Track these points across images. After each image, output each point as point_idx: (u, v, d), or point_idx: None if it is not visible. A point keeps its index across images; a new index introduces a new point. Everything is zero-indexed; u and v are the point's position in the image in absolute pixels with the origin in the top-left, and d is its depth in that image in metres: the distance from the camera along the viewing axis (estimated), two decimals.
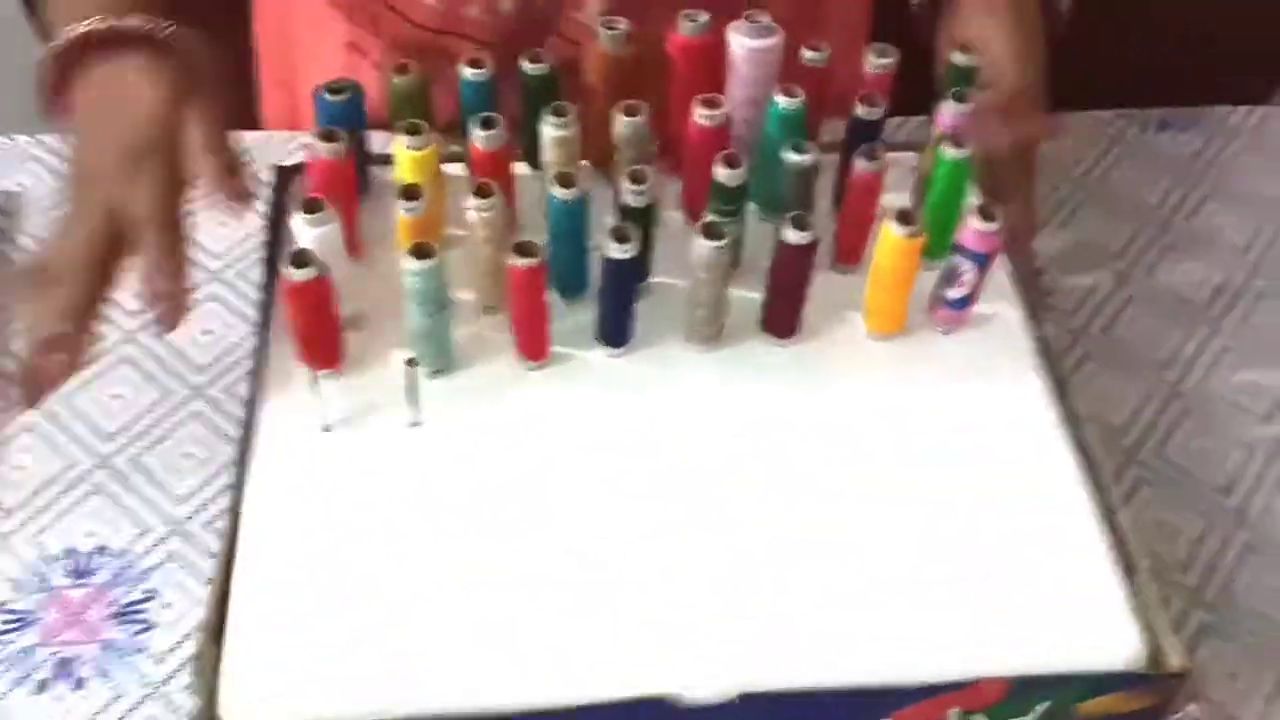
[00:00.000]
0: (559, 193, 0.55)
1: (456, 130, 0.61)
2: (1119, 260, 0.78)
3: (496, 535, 0.52)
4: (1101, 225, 0.80)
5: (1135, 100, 0.89)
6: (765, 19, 0.61)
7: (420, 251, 0.52)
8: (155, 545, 0.63)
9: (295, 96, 0.88)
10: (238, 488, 0.54)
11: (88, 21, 0.58)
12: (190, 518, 0.64)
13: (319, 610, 0.50)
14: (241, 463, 0.54)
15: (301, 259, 0.52)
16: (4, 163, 0.80)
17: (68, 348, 0.53)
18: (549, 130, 0.58)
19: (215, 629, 0.49)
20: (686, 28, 0.61)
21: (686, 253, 0.61)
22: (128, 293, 0.72)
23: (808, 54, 0.61)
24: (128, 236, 0.54)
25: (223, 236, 0.76)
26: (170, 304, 0.55)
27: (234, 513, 0.53)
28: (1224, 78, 0.99)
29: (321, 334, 0.55)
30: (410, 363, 0.53)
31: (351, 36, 0.80)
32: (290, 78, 0.87)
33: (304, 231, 0.54)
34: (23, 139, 0.82)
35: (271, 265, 0.63)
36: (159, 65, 0.58)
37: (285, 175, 0.67)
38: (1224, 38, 1.11)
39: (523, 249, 0.53)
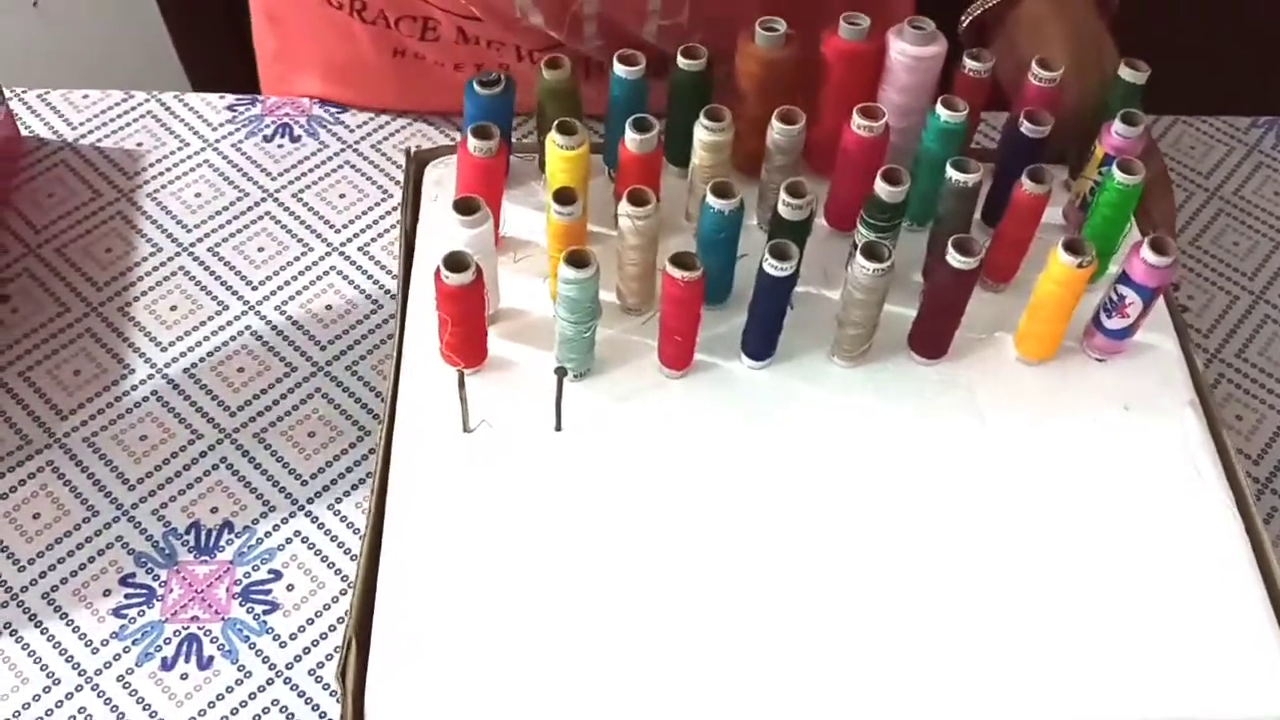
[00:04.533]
0: (716, 203, 0.53)
1: None
2: (1254, 279, 0.76)
3: (641, 547, 0.52)
4: (1236, 240, 0.78)
5: (1270, 106, 0.86)
6: (929, 25, 0.59)
7: (576, 260, 0.51)
8: (280, 525, 0.63)
9: (289, 44, 0.82)
10: (380, 489, 0.53)
11: None
12: (314, 499, 0.64)
13: (462, 615, 0.50)
14: (384, 463, 0.54)
15: (458, 262, 0.51)
16: (123, 121, 0.79)
17: None
18: (702, 134, 0.57)
19: (360, 631, 0.49)
20: (846, 31, 0.59)
21: (829, 260, 0.60)
22: (251, 265, 0.72)
23: (970, 64, 0.59)
24: None
25: (343, 209, 0.76)
26: None
27: (377, 515, 0.53)
28: None
29: (470, 334, 0.54)
30: (559, 372, 0.53)
31: None
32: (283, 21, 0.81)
33: (459, 232, 0.53)
34: (141, 96, 0.81)
35: (408, 255, 0.62)
36: None
37: (421, 160, 0.66)
38: None
39: (682, 261, 0.51)
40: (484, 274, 0.53)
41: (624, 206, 0.54)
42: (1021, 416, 0.56)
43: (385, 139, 0.80)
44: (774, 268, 0.52)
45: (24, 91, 0.81)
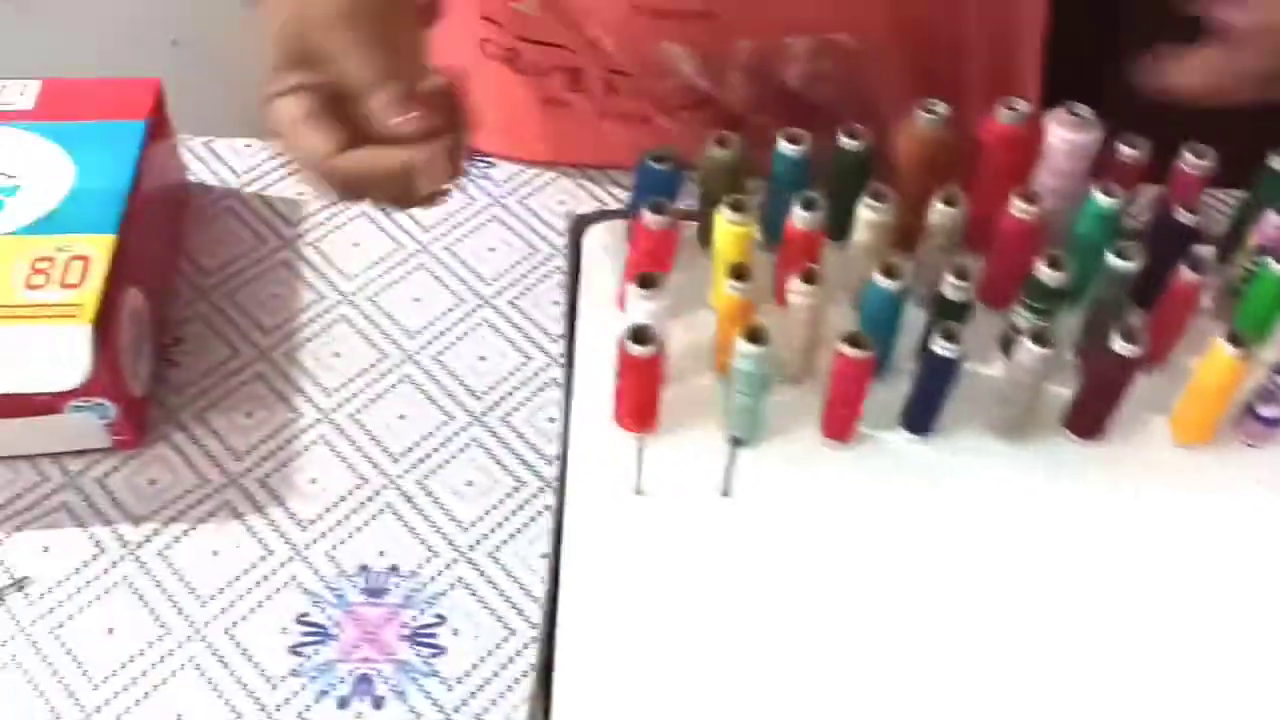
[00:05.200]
0: (883, 283, 0.56)
1: None
2: None
3: (810, 618, 0.54)
4: None
5: None
6: (1086, 111, 0.61)
7: (754, 336, 0.54)
8: (443, 570, 0.66)
9: None
10: (555, 546, 0.56)
11: None
12: (474, 546, 0.67)
13: (639, 672, 0.53)
14: (558, 523, 0.57)
15: (642, 335, 0.54)
16: (284, 170, 0.83)
17: None
18: (866, 213, 0.60)
19: (542, 690, 0.52)
20: (1004, 115, 0.61)
21: (979, 335, 0.63)
22: (408, 314, 0.76)
23: (1125, 150, 0.61)
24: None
25: (492, 262, 0.79)
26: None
27: (553, 572, 0.55)
28: None
29: (646, 402, 0.57)
30: (734, 443, 0.55)
31: (485, 31, 0.78)
32: None
33: (640, 305, 0.56)
34: None
35: (571, 316, 0.65)
36: None
37: (581, 223, 0.69)
38: None
39: (856, 340, 0.54)
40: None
41: (795, 284, 0.56)
42: (1177, 501, 0.57)
43: (531, 194, 0.83)
44: (944, 349, 0.54)
45: (189, 138, 0.85)
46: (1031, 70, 0.84)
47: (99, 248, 0.65)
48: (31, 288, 0.64)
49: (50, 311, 0.63)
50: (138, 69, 1.21)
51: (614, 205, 0.80)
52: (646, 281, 0.56)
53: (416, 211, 0.82)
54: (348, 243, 0.80)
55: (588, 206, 0.81)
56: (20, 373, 0.62)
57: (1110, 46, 0.93)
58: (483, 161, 0.84)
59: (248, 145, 0.85)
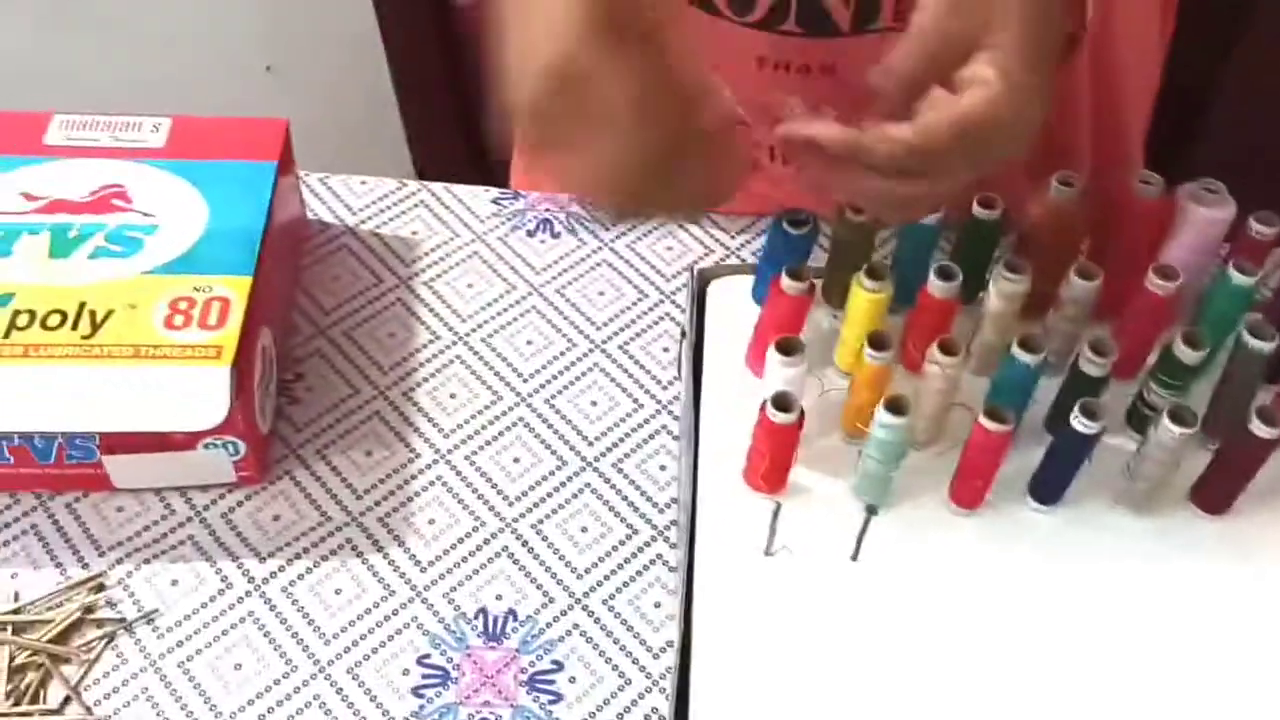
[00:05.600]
0: (1023, 356, 0.56)
1: None
2: None
3: (934, 681, 0.55)
4: None
5: None
6: (1220, 188, 0.62)
7: (895, 407, 0.55)
8: (559, 616, 0.67)
9: None
10: (685, 604, 0.57)
11: None
12: (589, 593, 0.68)
13: None
14: (688, 581, 0.58)
15: (785, 402, 0.55)
16: (399, 209, 0.85)
17: None
18: (1004, 284, 0.60)
19: None
20: (1140, 189, 0.62)
21: (1111, 407, 0.63)
22: (521, 357, 0.77)
23: (1257, 227, 0.62)
24: None
25: (603, 306, 0.80)
26: None
27: (685, 626, 0.56)
28: None
29: (781, 465, 0.57)
30: (870, 511, 0.56)
31: None
32: None
33: (781, 371, 0.56)
34: (414, 185, 0.86)
35: (696, 371, 0.66)
36: None
37: (705, 277, 0.70)
38: None
39: (996, 414, 0.55)
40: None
41: (935, 353, 0.57)
42: None
43: (639, 239, 0.84)
44: (1083, 425, 0.55)
45: (306, 174, 0.87)
46: (1137, 139, 0.84)
47: (237, 290, 0.67)
48: (171, 327, 0.65)
49: (191, 353, 0.64)
50: (233, 95, 1.24)
51: (719, 250, 0.81)
52: (787, 348, 0.57)
53: (528, 253, 0.83)
54: (462, 284, 0.81)
55: (695, 252, 0.82)
56: (160, 411, 0.63)
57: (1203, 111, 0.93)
58: (592, 205, 0.86)
59: (363, 183, 0.86)
